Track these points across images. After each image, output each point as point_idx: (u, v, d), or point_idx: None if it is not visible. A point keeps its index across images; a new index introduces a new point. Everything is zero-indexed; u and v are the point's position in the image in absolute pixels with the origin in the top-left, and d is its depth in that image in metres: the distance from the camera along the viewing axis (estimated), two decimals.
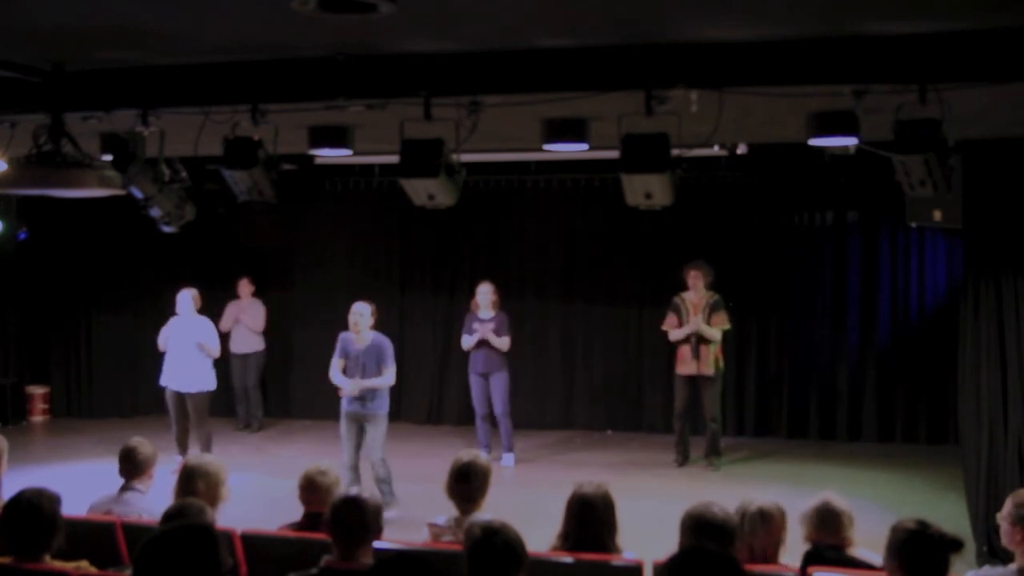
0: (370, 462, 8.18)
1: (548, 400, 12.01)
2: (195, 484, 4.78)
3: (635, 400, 11.83)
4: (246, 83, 5.60)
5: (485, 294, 10.15)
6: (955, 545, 3.64)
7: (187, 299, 9.77)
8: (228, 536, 4.43)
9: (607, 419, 11.88)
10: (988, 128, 6.41)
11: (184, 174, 6.36)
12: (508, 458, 10.21)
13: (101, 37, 4.95)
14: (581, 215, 11.80)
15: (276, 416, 12.38)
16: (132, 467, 5.27)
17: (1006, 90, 4.90)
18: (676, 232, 11.15)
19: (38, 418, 12.62)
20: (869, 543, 4.43)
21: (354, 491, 4.14)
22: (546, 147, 5.83)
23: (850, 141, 5.38)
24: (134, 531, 4.67)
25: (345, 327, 8.41)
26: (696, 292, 9.93)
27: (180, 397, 9.72)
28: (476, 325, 10.11)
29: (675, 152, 5.40)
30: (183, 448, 9.73)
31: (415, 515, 7.22)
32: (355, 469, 8.18)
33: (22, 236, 11.67)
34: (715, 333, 9.83)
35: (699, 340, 9.82)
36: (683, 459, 10.08)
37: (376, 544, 4.00)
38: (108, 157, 6.06)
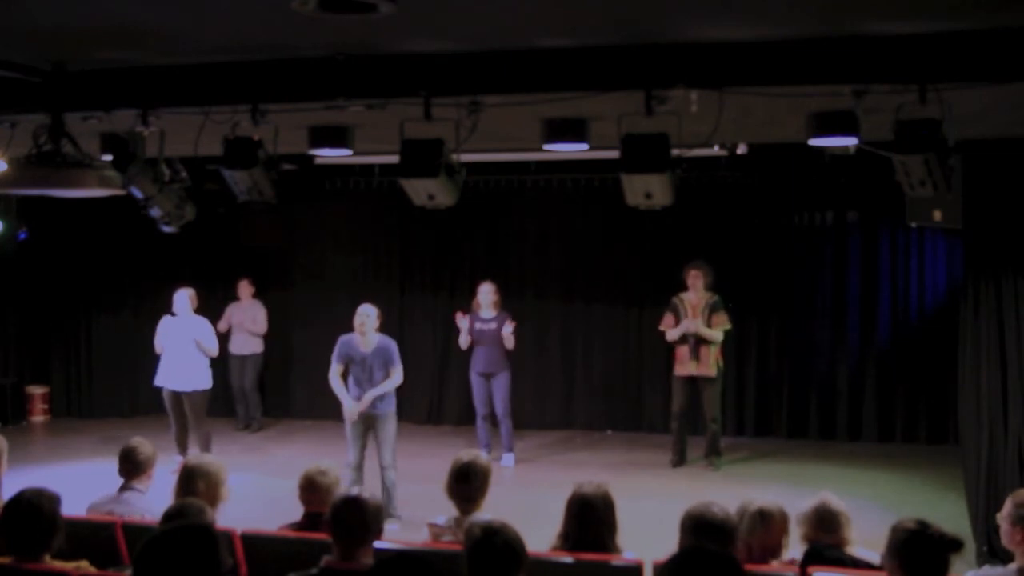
0: (380, 465, 8.11)
1: (548, 400, 12.01)
2: (195, 484, 4.78)
3: (635, 400, 11.83)
4: (246, 83, 5.60)
5: (487, 294, 10.15)
6: (955, 545, 3.64)
7: (184, 299, 9.77)
8: (228, 536, 4.43)
9: (607, 419, 11.88)
10: (988, 128, 6.41)
11: (184, 174, 6.36)
12: (508, 458, 10.21)
13: (101, 37, 4.95)
14: (581, 215, 11.80)
15: (276, 416, 12.38)
16: (132, 467, 5.27)
17: (1006, 90, 4.90)
18: (676, 232, 11.15)
19: (38, 418, 12.62)
20: (869, 543, 4.43)
21: (355, 491, 4.14)
22: (546, 147, 5.83)
23: (850, 141, 5.37)
24: (134, 531, 4.67)
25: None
26: (695, 292, 9.92)
27: (177, 397, 9.71)
28: (478, 325, 10.11)
29: (675, 152, 5.40)
30: (183, 448, 9.73)
31: (415, 515, 7.24)
32: (360, 469, 8.13)
33: (22, 236, 11.67)
34: (715, 334, 9.82)
35: (698, 341, 9.81)
36: (679, 460, 10.08)
37: (376, 544, 4.00)
38: (108, 157, 6.05)
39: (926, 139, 4.96)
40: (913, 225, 7.77)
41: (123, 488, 5.26)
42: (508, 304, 10.34)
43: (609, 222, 11.40)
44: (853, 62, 4.83)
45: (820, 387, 11.35)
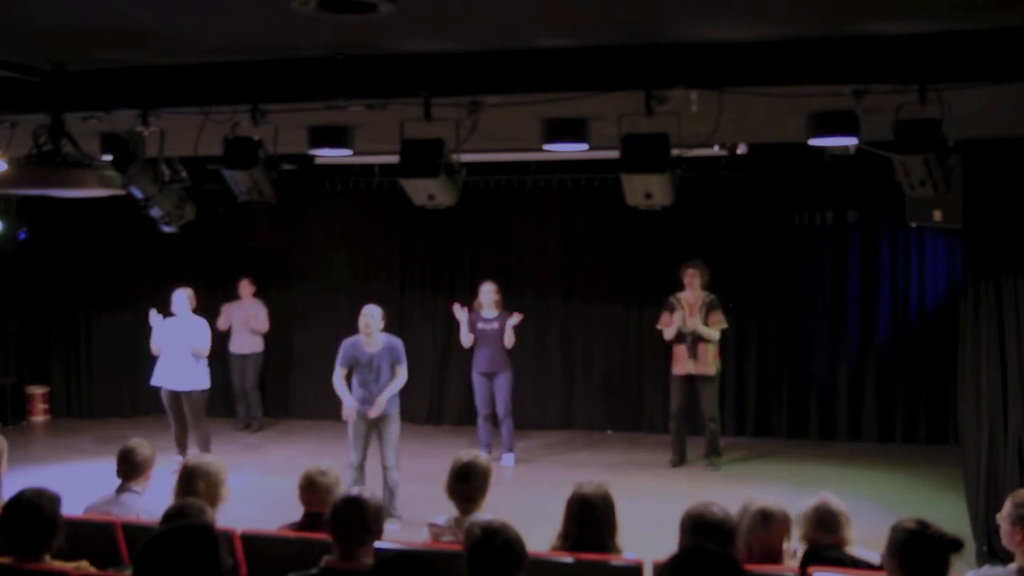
0: (383, 466, 8.10)
1: (548, 400, 12.01)
2: (195, 484, 4.77)
3: (635, 400, 11.83)
4: (246, 83, 5.60)
5: (488, 293, 10.15)
6: (955, 545, 3.64)
7: (182, 299, 9.76)
8: (228, 536, 4.43)
9: (607, 419, 11.88)
10: (988, 128, 6.41)
11: (184, 174, 6.36)
12: (508, 458, 10.21)
13: (101, 37, 4.95)
14: (581, 215, 11.80)
15: (276, 416, 12.38)
16: (130, 468, 5.25)
17: (1006, 90, 4.90)
18: (676, 232, 11.15)
19: (38, 418, 12.62)
20: (869, 543, 4.43)
21: (355, 491, 4.13)
22: (546, 147, 5.83)
23: (850, 141, 5.38)
24: (134, 531, 4.66)
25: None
26: (692, 291, 9.93)
27: (175, 397, 9.70)
28: (480, 324, 10.12)
29: (675, 152, 5.40)
30: (182, 448, 9.73)
31: (415, 515, 7.24)
32: (362, 469, 8.09)
33: (22, 236, 11.67)
34: (713, 333, 9.83)
35: (696, 339, 9.82)
36: (679, 460, 10.08)
37: (376, 544, 4.00)
38: (108, 157, 6.05)
39: (926, 139, 4.96)
40: (913, 225, 7.77)
41: (120, 489, 5.24)
42: (508, 304, 10.34)
43: (609, 222, 11.40)
44: (853, 62, 4.83)
45: (820, 387, 11.35)
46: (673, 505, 4.52)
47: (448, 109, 5.39)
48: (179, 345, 9.64)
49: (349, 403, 8.11)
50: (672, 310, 9.96)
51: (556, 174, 11.53)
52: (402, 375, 8.19)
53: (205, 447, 9.55)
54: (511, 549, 3.49)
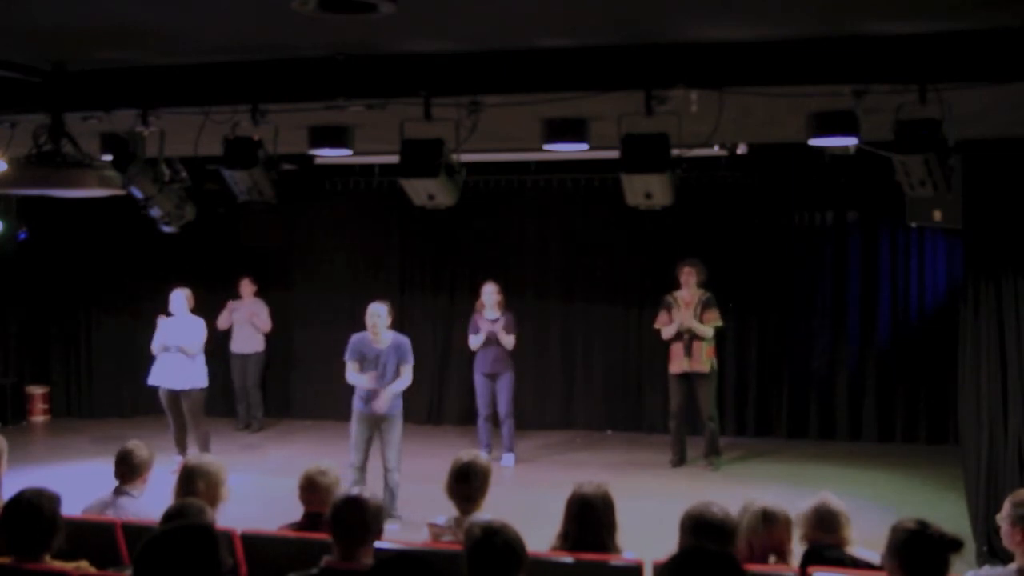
0: (385, 467, 8.07)
1: (548, 400, 12.01)
2: (195, 484, 4.77)
3: (635, 400, 11.83)
4: (246, 83, 5.60)
5: (490, 294, 10.15)
6: (955, 545, 3.64)
7: (180, 299, 9.76)
8: (228, 536, 4.43)
9: (607, 419, 11.89)
10: (988, 128, 6.41)
11: (184, 174, 6.36)
12: (508, 458, 10.21)
13: (101, 37, 4.95)
14: (581, 215, 11.80)
15: (276, 416, 12.37)
16: (127, 469, 5.23)
17: (1006, 90, 4.90)
18: (676, 232, 11.14)
19: (38, 418, 12.62)
20: (869, 543, 4.43)
21: (355, 491, 4.13)
22: (546, 147, 5.83)
23: (850, 141, 5.38)
24: (134, 531, 4.66)
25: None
26: (688, 290, 9.94)
27: (174, 396, 9.69)
28: (483, 325, 10.12)
29: (675, 152, 5.40)
30: (182, 448, 9.72)
31: (415, 515, 7.24)
32: (363, 470, 8.06)
33: (22, 236, 11.67)
34: (707, 330, 9.83)
35: (692, 337, 9.83)
36: (679, 460, 10.08)
37: (376, 544, 4.00)
38: (108, 157, 6.05)
39: (926, 139, 4.96)
40: (913, 225, 7.76)
41: (116, 492, 5.21)
42: (508, 304, 10.34)
43: (609, 222, 11.39)
44: (853, 62, 4.83)
45: (820, 387, 11.35)
46: (673, 505, 4.52)
47: (448, 109, 5.39)
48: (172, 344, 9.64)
49: (374, 383, 8.00)
50: (669, 309, 9.96)
51: (556, 174, 11.53)
52: (406, 375, 8.18)
53: (205, 447, 9.54)
54: (511, 549, 3.49)
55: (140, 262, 12.41)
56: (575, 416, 12.01)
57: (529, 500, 7.09)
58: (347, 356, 8.19)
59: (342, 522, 3.94)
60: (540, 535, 4.32)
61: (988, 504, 6.91)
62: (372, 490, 4.29)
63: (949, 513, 7.70)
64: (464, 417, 11.70)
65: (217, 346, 11.13)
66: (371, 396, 8.07)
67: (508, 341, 10.03)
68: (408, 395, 8.33)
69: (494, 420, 10.28)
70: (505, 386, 10.15)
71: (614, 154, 5.53)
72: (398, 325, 8.50)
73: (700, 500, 4.28)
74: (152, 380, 9.79)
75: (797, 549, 4.48)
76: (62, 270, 12.49)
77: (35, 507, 4.04)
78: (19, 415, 12.38)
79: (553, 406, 12.02)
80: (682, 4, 4.41)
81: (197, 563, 2.98)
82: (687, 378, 9.92)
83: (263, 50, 5.23)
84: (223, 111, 5.73)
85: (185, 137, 5.92)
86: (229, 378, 11.84)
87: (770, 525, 4.37)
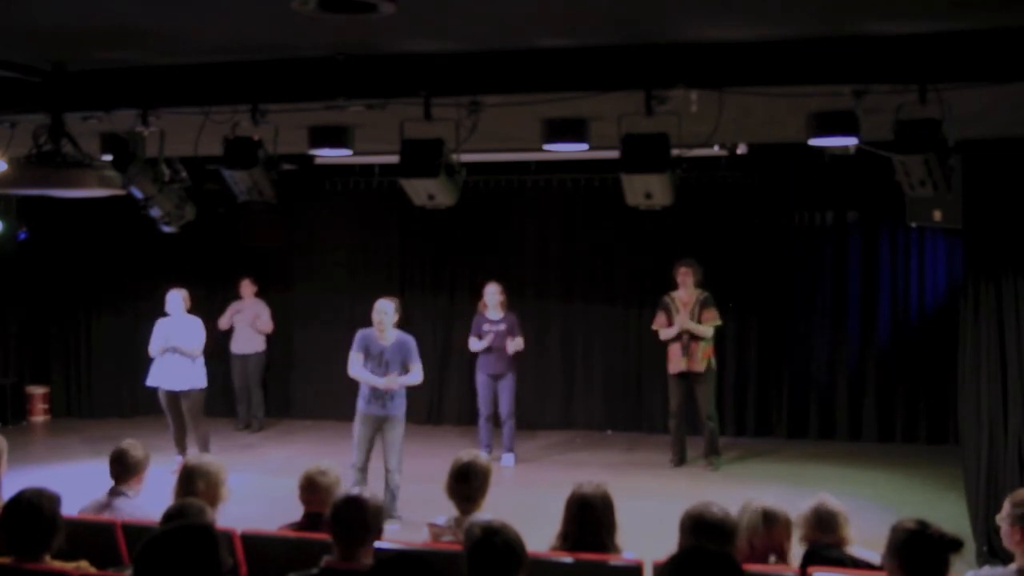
0: (386, 468, 8.06)
1: (548, 400, 12.01)
2: (195, 484, 4.77)
3: (635, 400, 11.84)
4: (246, 83, 5.60)
5: (493, 295, 10.15)
6: (955, 545, 3.64)
7: (177, 299, 9.75)
8: (228, 536, 4.43)
9: (607, 419, 11.89)
10: (988, 128, 6.41)
11: (184, 174, 6.36)
12: (508, 458, 10.21)
13: (101, 37, 4.95)
14: (581, 215, 11.81)
15: (276, 416, 12.37)
16: (122, 469, 5.19)
17: (1006, 90, 4.90)
18: (676, 232, 11.14)
19: (38, 418, 12.62)
20: (869, 543, 4.43)
21: (355, 491, 4.13)
22: (546, 147, 5.83)
23: (850, 141, 5.38)
24: (134, 531, 4.66)
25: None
26: (686, 290, 9.93)
27: (174, 397, 9.69)
28: (486, 326, 10.12)
29: (675, 152, 5.40)
30: (182, 448, 9.72)
31: (415, 515, 7.24)
32: (365, 471, 8.04)
33: (22, 236, 11.67)
34: (706, 330, 9.83)
35: (690, 337, 9.84)
36: (679, 459, 10.08)
37: (376, 544, 4.00)
38: (108, 157, 6.05)
39: (926, 139, 4.96)
40: (913, 225, 7.76)
41: (112, 493, 5.18)
42: (508, 304, 10.34)
43: (609, 222, 11.40)
44: (853, 62, 4.84)
45: (820, 387, 11.35)
46: (673, 505, 4.51)
47: (448, 109, 5.39)
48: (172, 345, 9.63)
49: (381, 382, 7.98)
50: (667, 310, 9.96)
51: (556, 174, 11.53)
52: (416, 372, 8.16)
53: (204, 447, 9.54)
54: (511, 549, 3.49)
55: (140, 262, 12.41)
56: (575, 416, 12.01)
57: (529, 500, 7.09)
58: (353, 349, 8.17)
59: (342, 522, 3.94)
60: (540, 535, 4.32)
61: (988, 504, 6.91)
62: (373, 491, 4.29)
63: (949, 513, 7.70)
64: (464, 417, 11.70)
65: (217, 346, 11.13)
66: (375, 396, 8.06)
67: (517, 344, 10.02)
68: (408, 395, 8.32)
69: (495, 420, 10.28)
70: (507, 386, 10.16)
71: (614, 154, 5.53)
72: (398, 325, 8.49)
73: (700, 500, 4.28)
74: (151, 381, 9.79)
75: (797, 550, 4.49)
76: (62, 270, 12.49)
77: (35, 507, 4.04)
78: (19, 415, 12.38)
79: (553, 406, 12.02)
80: (682, 4, 4.41)
81: (197, 563, 2.97)
82: (686, 378, 9.92)
83: (263, 50, 5.23)
84: (223, 111, 5.73)
85: (185, 137, 5.92)
86: (229, 378, 11.84)
87: (770, 525, 4.37)
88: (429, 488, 5.72)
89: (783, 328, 11.45)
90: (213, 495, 4.75)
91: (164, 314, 9.79)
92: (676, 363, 9.92)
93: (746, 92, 5.10)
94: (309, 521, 4.83)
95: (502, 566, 3.46)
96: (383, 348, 8.09)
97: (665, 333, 9.96)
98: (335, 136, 6.10)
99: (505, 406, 10.16)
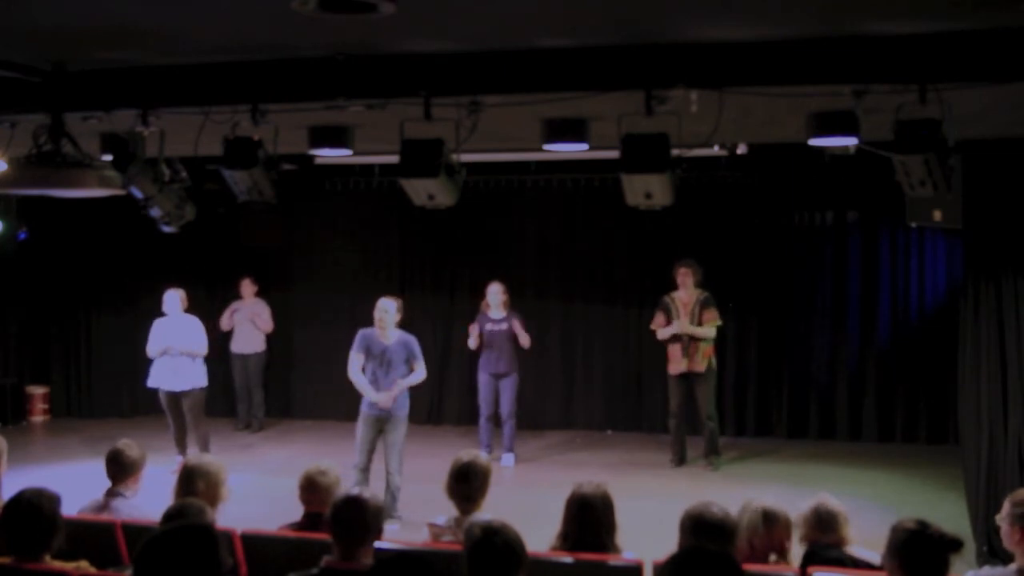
0: (388, 468, 8.04)
1: (548, 400, 12.01)
2: (195, 484, 4.76)
3: (635, 400, 11.84)
4: (246, 83, 5.60)
5: (496, 294, 10.16)
6: (955, 545, 3.64)
7: (175, 299, 9.74)
8: (228, 536, 4.43)
9: (607, 419, 11.89)
10: (988, 128, 6.41)
11: (184, 174, 6.36)
12: (508, 458, 10.21)
13: (101, 37, 4.95)
14: (581, 215, 11.81)
15: (276, 416, 12.37)
16: (119, 469, 5.18)
17: (1006, 90, 4.90)
18: (676, 232, 11.14)
19: (38, 418, 12.62)
20: (869, 543, 4.43)
21: (355, 491, 4.13)
22: (546, 147, 5.83)
23: (850, 141, 5.38)
24: (134, 531, 4.66)
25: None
26: (685, 290, 9.93)
27: (174, 397, 9.68)
28: (489, 326, 10.13)
29: (675, 152, 5.40)
30: (182, 448, 9.72)
31: (415, 515, 7.24)
32: (367, 471, 8.02)
33: (22, 236, 11.67)
34: (705, 331, 9.83)
35: (691, 338, 9.83)
36: (679, 460, 10.08)
37: (376, 544, 4.00)
38: (108, 157, 6.05)
39: (926, 139, 4.96)
40: (913, 225, 7.76)
41: (109, 494, 5.16)
42: (510, 304, 10.34)
43: (609, 222, 11.40)
44: (853, 62, 4.84)
45: (820, 387, 11.35)
46: (673, 505, 4.51)
47: (448, 109, 5.39)
48: (174, 345, 9.62)
49: (375, 396, 8.00)
50: (666, 310, 9.96)
51: (556, 174, 11.53)
52: (419, 370, 8.16)
53: (205, 447, 9.53)
54: (511, 549, 3.49)
55: (140, 262, 12.41)
56: (575, 416, 12.01)
57: (529, 500, 7.09)
58: (353, 349, 8.16)
59: (342, 522, 3.94)
60: (540, 535, 4.32)
61: (988, 504, 6.90)
62: (374, 491, 4.29)
63: (949, 513, 7.70)
64: (464, 417, 11.70)
65: (217, 346, 11.13)
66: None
67: (525, 339, 10.05)
68: (409, 395, 8.31)
69: (496, 420, 10.28)
70: (509, 386, 10.16)
71: (614, 154, 5.53)
72: (399, 325, 8.49)
73: (700, 500, 4.28)
74: (151, 382, 9.78)
75: (797, 549, 4.49)
76: (62, 270, 12.49)
77: (35, 507, 4.04)
78: (19, 415, 12.38)
79: (553, 406, 12.02)
80: (682, 4, 4.41)
81: (197, 563, 2.97)
82: (686, 378, 9.92)
83: (263, 50, 5.23)
84: (223, 111, 5.73)
85: (185, 137, 5.92)
86: (229, 378, 11.84)
87: (770, 525, 4.37)
88: (429, 488, 5.72)
89: (783, 328, 11.45)
90: (213, 495, 4.75)
91: (163, 314, 9.79)
92: (677, 364, 9.92)
93: (746, 92, 5.10)
94: (309, 521, 4.83)
95: (502, 566, 3.46)
96: (385, 347, 8.08)
97: (662, 333, 9.96)
98: (335, 136, 6.11)
99: (506, 406, 10.16)
